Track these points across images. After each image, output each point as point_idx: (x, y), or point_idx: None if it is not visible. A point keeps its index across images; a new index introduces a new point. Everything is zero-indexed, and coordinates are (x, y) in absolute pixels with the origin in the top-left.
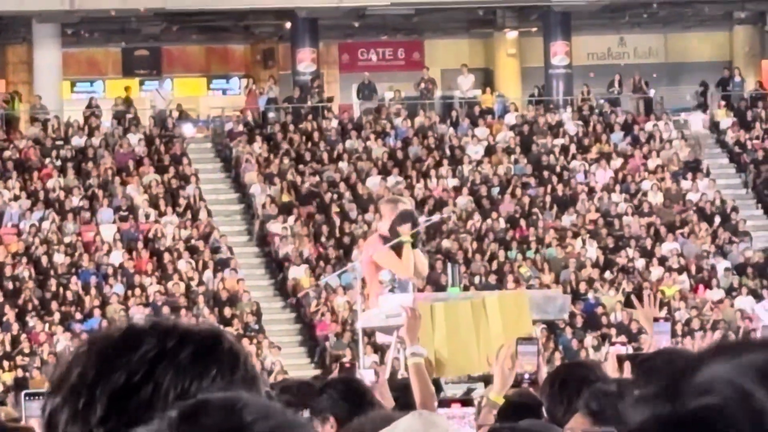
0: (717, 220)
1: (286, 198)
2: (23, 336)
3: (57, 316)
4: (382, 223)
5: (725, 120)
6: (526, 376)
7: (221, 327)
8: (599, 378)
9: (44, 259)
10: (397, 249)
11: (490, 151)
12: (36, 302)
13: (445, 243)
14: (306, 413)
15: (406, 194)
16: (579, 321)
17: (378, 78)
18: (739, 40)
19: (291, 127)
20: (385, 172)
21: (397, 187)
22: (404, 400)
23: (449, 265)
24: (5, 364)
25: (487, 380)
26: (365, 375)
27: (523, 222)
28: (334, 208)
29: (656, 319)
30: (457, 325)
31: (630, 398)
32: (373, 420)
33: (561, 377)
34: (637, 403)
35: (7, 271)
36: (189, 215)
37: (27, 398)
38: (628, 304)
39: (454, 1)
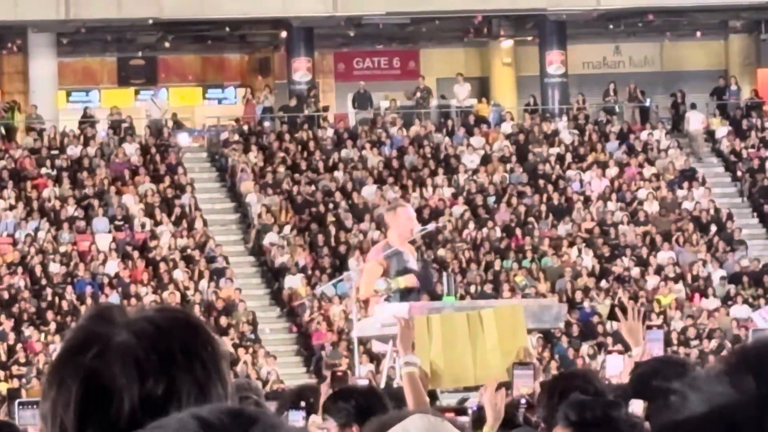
0: (713, 228)
1: (281, 207)
2: (19, 346)
3: (53, 326)
4: (390, 231)
5: (721, 129)
6: (523, 401)
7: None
8: (596, 387)
9: (39, 269)
10: (395, 259)
11: (485, 160)
12: (32, 312)
13: (441, 252)
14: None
15: (399, 203)
16: (575, 330)
17: (373, 87)
18: (735, 49)
19: (287, 137)
20: (380, 182)
21: (392, 197)
22: (399, 409)
23: (444, 274)
24: (1, 373)
25: None
26: (360, 384)
27: (518, 231)
28: (330, 218)
29: (650, 327)
30: (454, 336)
31: (692, 378)
32: (399, 417)
33: (559, 388)
34: (708, 382)
35: (3, 280)
36: (185, 225)
37: (21, 407)
38: (612, 316)
39: (450, 11)
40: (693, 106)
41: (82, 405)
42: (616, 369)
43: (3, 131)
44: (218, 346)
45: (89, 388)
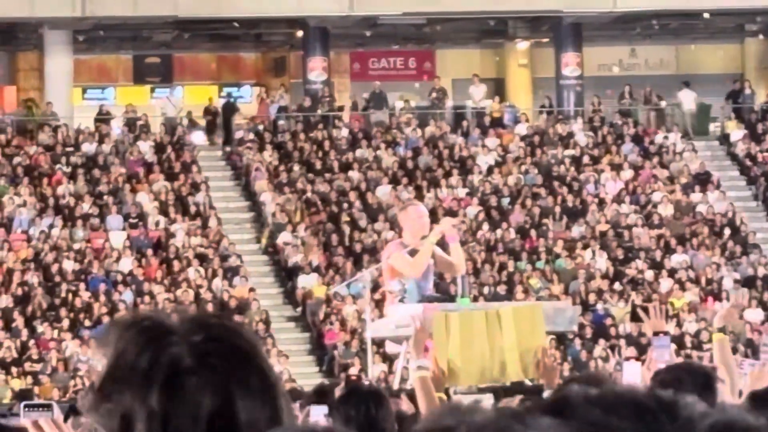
0: (727, 232)
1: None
2: (32, 342)
3: (66, 323)
4: (404, 233)
5: (736, 132)
6: None
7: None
8: None
9: (54, 266)
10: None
11: (500, 161)
12: (45, 308)
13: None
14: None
15: (410, 202)
16: (588, 332)
17: (389, 87)
18: (751, 52)
19: (302, 136)
20: (395, 182)
21: (406, 197)
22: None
23: (458, 275)
24: (14, 370)
25: (496, 392)
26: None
27: (533, 232)
28: (344, 217)
29: (656, 333)
30: (471, 334)
31: None
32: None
33: None
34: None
35: (17, 277)
36: (199, 223)
37: (26, 409)
38: (634, 317)
39: (466, 11)
40: (686, 84)
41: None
42: (633, 377)
43: (18, 128)
44: (265, 354)
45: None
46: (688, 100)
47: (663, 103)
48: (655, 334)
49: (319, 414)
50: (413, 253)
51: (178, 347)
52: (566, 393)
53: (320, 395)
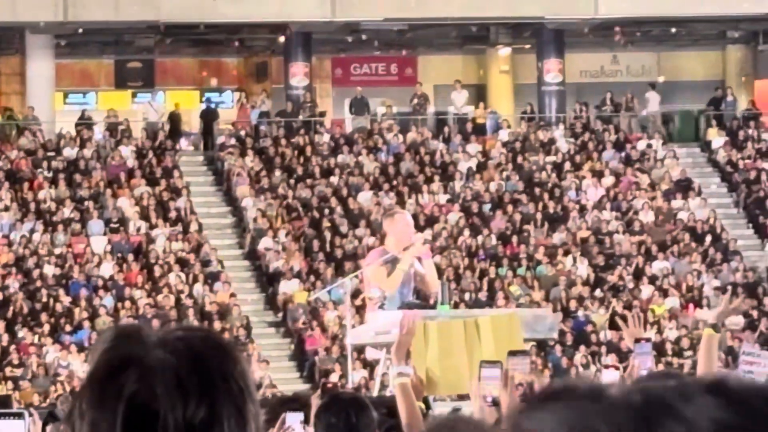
0: (708, 239)
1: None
2: (12, 347)
3: (46, 328)
4: (387, 239)
5: (717, 139)
6: (489, 398)
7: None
8: None
9: (34, 271)
10: (392, 265)
11: (481, 167)
12: (25, 313)
13: (436, 259)
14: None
15: (397, 210)
16: (569, 339)
17: (371, 93)
18: (732, 59)
19: (283, 141)
20: (376, 188)
21: (388, 203)
22: (393, 417)
23: (439, 281)
24: None
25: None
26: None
27: (514, 239)
28: (325, 223)
29: (638, 340)
30: (450, 344)
31: None
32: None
33: None
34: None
35: None
36: (180, 228)
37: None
38: (613, 325)
39: (448, 18)
40: (652, 86)
41: (126, 428)
42: None
43: None
44: (246, 365)
45: (134, 410)
46: (654, 101)
47: (644, 110)
48: (637, 340)
49: (294, 421)
50: (394, 261)
51: (146, 378)
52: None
53: (288, 405)
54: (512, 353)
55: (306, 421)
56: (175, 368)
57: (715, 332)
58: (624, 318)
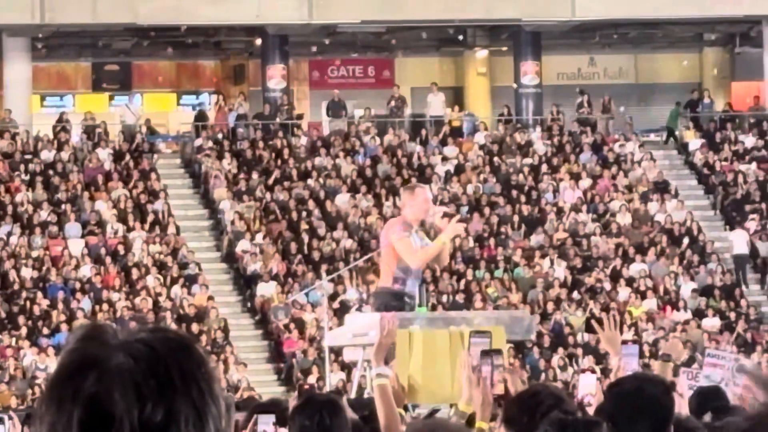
0: (685, 241)
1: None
2: None
3: (24, 331)
4: (405, 210)
5: (694, 141)
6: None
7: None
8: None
9: (12, 273)
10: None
11: (459, 169)
12: (3, 316)
13: None
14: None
15: (374, 212)
16: (546, 341)
17: (348, 95)
18: (709, 61)
19: (260, 144)
20: (354, 190)
21: (365, 206)
22: (371, 418)
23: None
24: None
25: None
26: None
27: (491, 241)
28: (303, 225)
29: (624, 342)
30: (434, 353)
31: None
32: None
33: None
34: None
35: None
36: (157, 230)
37: None
38: (589, 329)
39: (425, 20)
40: (581, 92)
41: (82, 429)
42: (589, 388)
43: None
44: (211, 366)
45: (90, 413)
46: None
47: (621, 109)
48: (624, 342)
49: (267, 423)
50: (414, 233)
51: (104, 381)
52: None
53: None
54: (474, 333)
55: (284, 425)
56: (134, 372)
57: (667, 362)
58: (600, 321)
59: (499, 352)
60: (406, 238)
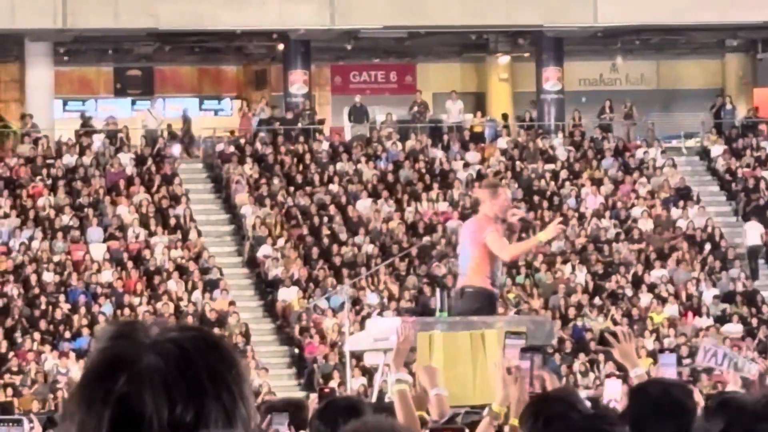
0: (707, 247)
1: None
2: (11, 354)
3: (46, 335)
4: (483, 206)
5: (716, 147)
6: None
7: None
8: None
9: (33, 278)
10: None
11: (480, 175)
12: (24, 321)
13: (434, 267)
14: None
15: (396, 217)
16: (567, 346)
17: (370, 101)
18: (732, 68)
19: (282, 149)
20: (375, 195)
21: (387, 211)
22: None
23: (437, 289)
24: None
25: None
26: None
27: None
28: (324, 231)
29: (662, 350)
30: (456, 355)
31: None
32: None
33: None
34: None
35: None
36: (179, 235)
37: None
38: (603, 342)
39: (447, 26)
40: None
41: (112, 429)
42: (614, 393)
43: None
44: (242, 367)
45: (120, 413)
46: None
47: (644, 118)
48: (661, 351)
49: (282, 422)
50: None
51: (134, 381)
52: None
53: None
54: (509, 334)
55: (303, 426)
56: (164, 373)
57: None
58: (614, 334)
59: (539, 350)
60: (496, 232)
